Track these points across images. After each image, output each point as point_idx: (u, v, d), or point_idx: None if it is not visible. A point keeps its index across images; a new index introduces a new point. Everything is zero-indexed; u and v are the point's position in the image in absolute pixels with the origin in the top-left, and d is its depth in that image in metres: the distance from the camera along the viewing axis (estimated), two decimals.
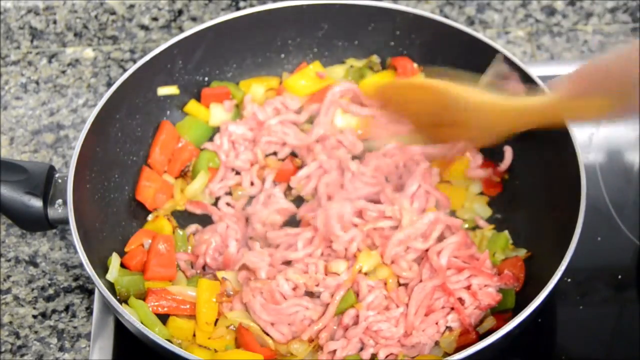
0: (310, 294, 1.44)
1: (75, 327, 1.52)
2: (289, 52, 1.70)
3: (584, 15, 1.91)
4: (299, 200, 1.59)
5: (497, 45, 1.56)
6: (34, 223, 1.45)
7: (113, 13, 1.88)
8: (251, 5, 1.87)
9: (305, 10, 1.65)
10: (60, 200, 1.44)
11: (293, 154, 1.64)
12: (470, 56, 1.60)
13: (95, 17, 1.88)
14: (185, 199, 1.59)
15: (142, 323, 1.33)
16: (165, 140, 1.61)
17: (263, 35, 1.67)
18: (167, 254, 1.48)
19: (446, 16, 1.89)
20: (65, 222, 1.40)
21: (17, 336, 1.51)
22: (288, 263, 1.46)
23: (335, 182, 1.56)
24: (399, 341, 1.39)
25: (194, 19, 1.90)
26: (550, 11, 1.91)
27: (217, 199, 1.60)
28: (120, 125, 1.56)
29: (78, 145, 1.45)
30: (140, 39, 1.90)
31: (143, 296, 1.43)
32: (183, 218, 1.58)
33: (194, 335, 1.43)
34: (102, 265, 1.43)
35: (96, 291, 1.52)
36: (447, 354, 1.37)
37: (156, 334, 1.32)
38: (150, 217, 1.56)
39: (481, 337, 1.38)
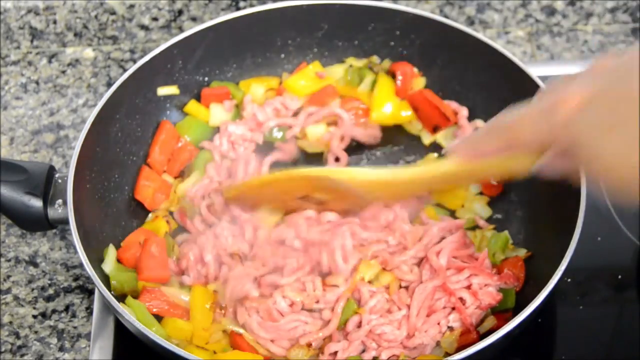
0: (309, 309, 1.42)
1: (75, 327, 1.52)
2: (289, 52, 1.70)
3: (584, 15, 1.91)
4: None
5: (497, 45, 1.56)
6: (34, 223, 1.45)
7: (113, 13, 1.88)
8: (251, 5, 1.87)
9: (305, 10, 1.65)
10: (60, 200, 1.44)
11: None
12: (470, 56, 1.60)
13: (95, 17, 1.88)
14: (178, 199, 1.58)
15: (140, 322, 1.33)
16: (165, 140, 1.60)
17: (263, 35, 1.67)
18: (159, 256, 1.45)
19: (446, 16, 1.89)
20: (65, 222, 1.40)
21: (17, 336, 1.51)
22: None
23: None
24: (402, 343, 1.39)
25: (194, 19, 1.90)
26: (550, 11, 1.91)
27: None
28: (120, 125, 1.56)
29: (78, 145, 1.45)
30: (140, 39, 1.90)
31: (137, 294, 1.42)
32: None
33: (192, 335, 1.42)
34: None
35: (96, 291, 1.52)
36: (447, 354, 1.37)
37: (154, 333, 1.32)
38: (149, 217, 1.56)
39: (482, 336, 1.38)
